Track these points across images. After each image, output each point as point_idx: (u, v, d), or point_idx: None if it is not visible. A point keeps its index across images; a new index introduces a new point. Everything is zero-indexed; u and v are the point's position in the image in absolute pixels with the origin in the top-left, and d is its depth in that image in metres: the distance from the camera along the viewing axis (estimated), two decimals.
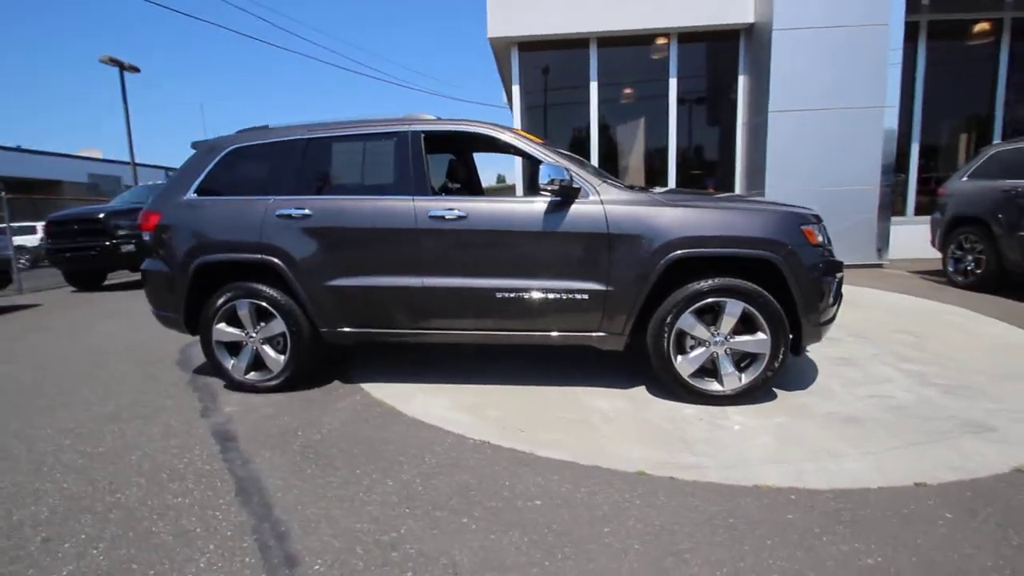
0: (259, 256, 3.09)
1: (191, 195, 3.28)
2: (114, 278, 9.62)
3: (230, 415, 2.95)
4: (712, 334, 2.82)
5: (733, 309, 2.76)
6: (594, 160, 8.16)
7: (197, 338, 4.59)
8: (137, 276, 9.60)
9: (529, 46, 8.01)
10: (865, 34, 6.83)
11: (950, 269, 5.92)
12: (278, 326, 3.17)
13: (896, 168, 7.39)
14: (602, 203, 2.85)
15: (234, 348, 3.30)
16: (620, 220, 2.81)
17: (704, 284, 2.76)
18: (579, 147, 8.24)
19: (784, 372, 2.95)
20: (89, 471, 2.37)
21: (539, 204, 2.88)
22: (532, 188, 8.25)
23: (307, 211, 3.06)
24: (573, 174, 2.85)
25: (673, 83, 8.00)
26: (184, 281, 3.21)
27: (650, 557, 1.69)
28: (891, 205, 7.32)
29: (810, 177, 7.08)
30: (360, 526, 1.89)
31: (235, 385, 3.30)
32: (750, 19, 7.53)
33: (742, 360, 2.89)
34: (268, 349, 3.23)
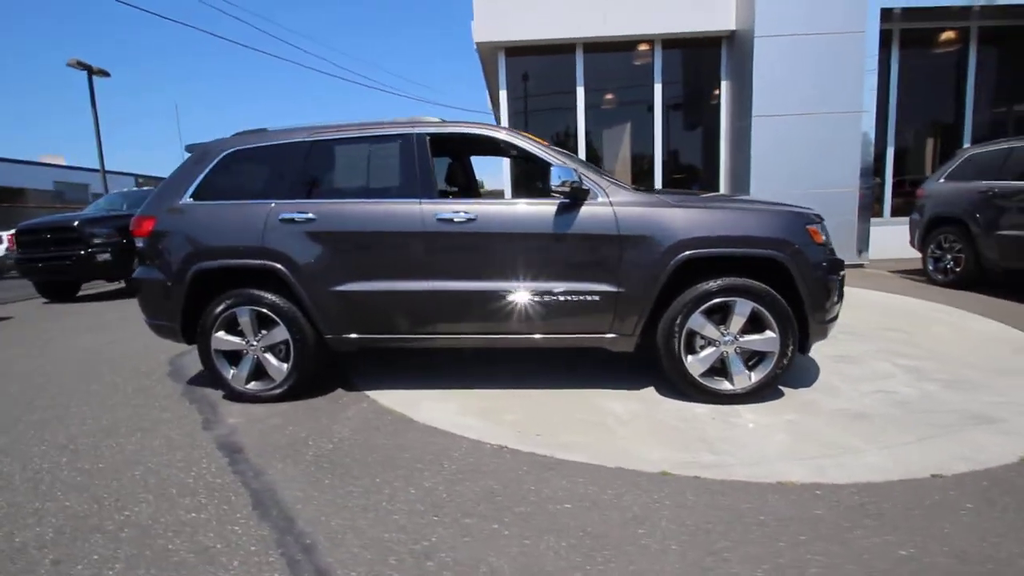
0: (261, 262, 3.01)
1: (187, 199, 3.18)
2: (88, 289, 9.27)
3: (234, 426, 2.85)
4: (721, 333, 2.85)
5: (743, 308, 2.79)
6: None
7: (186, 349, 4.55)
8: (113, 286, 9.30)
9: (516, 51, 8.04)
10: (843, 41, 7.05)
11: (930, 268, 6.12)
12: (281, 333, 3.09)
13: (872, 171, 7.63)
14: (611, 204, 2.86)
15: (233, 357, 3.20)
16: (630, 221, 2.82)
17: (713, 284, 2.79)
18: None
19: (790, 370, 3.00)
20: (91, 488, 2.26)
21: (549, 206, 2.87)
22: (519, 191, 8.26)
23: (311, 215, 2.99)
24: (582, 176, 2.85)
25: (658, 88, 8.13)
26: (181, 289, 3.10)
27: (690, 557, 1.68)
28: (870, 207, 7.55)
29: (792, 180, 7.25)
30: (389, 536, 1.84)
31: (235, 395, 3.19)
32: (732, 27, 7.70)
33: (750, 359, 2.92)
34: (270, 357, 3.14)
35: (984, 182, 5.41)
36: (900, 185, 8.39)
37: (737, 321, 2.81)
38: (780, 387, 3.05)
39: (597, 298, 2.86)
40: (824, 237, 2.89)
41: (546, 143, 3.16)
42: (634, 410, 2.88)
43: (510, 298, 2.91)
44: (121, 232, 7.94)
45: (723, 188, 8.31)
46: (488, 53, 8.22)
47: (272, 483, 2.23)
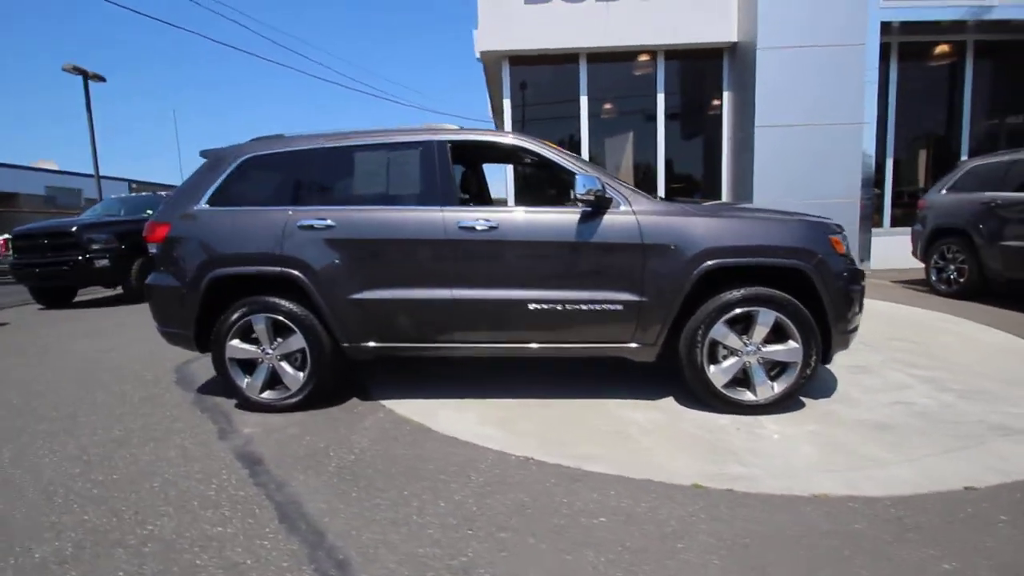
0: (279, 269, 2.96)
1: (203, 205, 3.14)
2: (84, 295, 9.14)
3: (250, 436, 2.80)
4: (744, 343, 2.84)
5: (766, 318, 2.79)
6: None
7: (191, 357, 4.48)
8: (110, 292, 9.17)
9: (520, 60, 8.08)
10: (844, 54, 7.14)
11: (933, 278, 6.17)
12: (297, 342, 3.04)
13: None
14: (635, 213, 2.85)
15: (248, 366, 3.14)
16: (654, 230, 2.81)
17: (737, 294, 2.78)
18: None
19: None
20: (109, 501, 2.19)
21: (572, 215, 2.86)
22: (522, 199, 8.26)
23: (330, 222, 2.96)
24: (606, 184, 2.84)
25: (660, 98, 8.18)
26: (195, 296, 3.05)
27: (733, 573, 1.65)
28: (871, 217, 7.62)
29: (795, 190, 7.31)
30: (424, 551, 1.80)
31: (249, 404, 3.14)
32: (734, 38, 7.79)
33: (771, 369, 2.91)
34: (286, 366, 3.09)
35: (987, 193, 5.47)
36: (899, 196, 8.48)
37: (760, 331, 2.81)
38: (800, 398, 3.04)
39: (620, 307, 2.84)
40: (845, 247, 2.90)
41: (567, 152, 3.16)
42: (655, 420, 2.86)
43: (532, 307, 2.88)
44: (120, 238, 7.86)
45: (725, 197, 8.36)
46: (492, 62, 8.25)
47: (296, 495, 2.18)
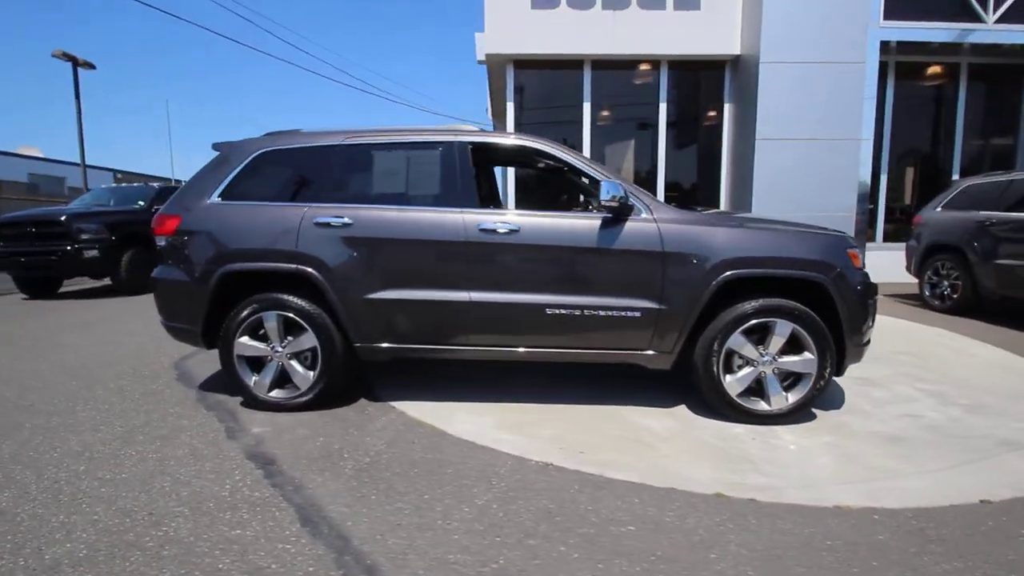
0: (294, 266, 2.91)
1: (215, 199, 3.07)
2: (69, 285, 8.92)
3: (260, 436, 2.73)
4: (760, 354, 2.86)
5: (783, 329, 2.80)
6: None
7: (190, 352, 4.38)
8: (97, 283, 8.94)
9: (525, 64, 8.08)
10: (844, 71, 7.27)
11: (927, 294, 6.29)
12: (308, 340, 2.99)
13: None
14: (656, 221, 2.86)
15: (255, 363, 3.08)
16: (675, 238, 2.82)
17: (754, 304, 2.80)
18: None
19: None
20: (119, 500, 2.12)
21: (594, 220, 2.86)
22: (522, 203, 8.25)
23: (347, 220, 2.92)
24: (629, 192, 2.84)
25: (663, 107, 8.24)
26: (205, 291, 2.98)
27: None
28: (865, 231, 7.74)
29: (793, 203, 7.38)
30: (454, 557, 1.76)
31: (256, 403, 3.07)
32: (736, 51, 7.88)
33: (785, 379, 2.93)
34: (296, 364, 3.03)
35: (982, 212, 5.60)
36: (891, 212, 8.64)
37: (776, 342, 2.82)
38: (811, 409, 3.06)
39: (638, 314, 2.84)
40: (861, 261, 2.93)
41: (587, 158, 3.16)
42: (671, 428, 2.86)
43: (549, 312, 2.87)
44: (110, 229, 7.69)
45: (723, 207, 8.44)
46: (497, 65, 8.24)
47: (315, 498, 2.14)
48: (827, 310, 2.83)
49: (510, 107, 8.11)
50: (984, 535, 1.93)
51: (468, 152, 2.99)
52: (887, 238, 8.49)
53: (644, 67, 8.27)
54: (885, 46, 7.59)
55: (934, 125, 8.58)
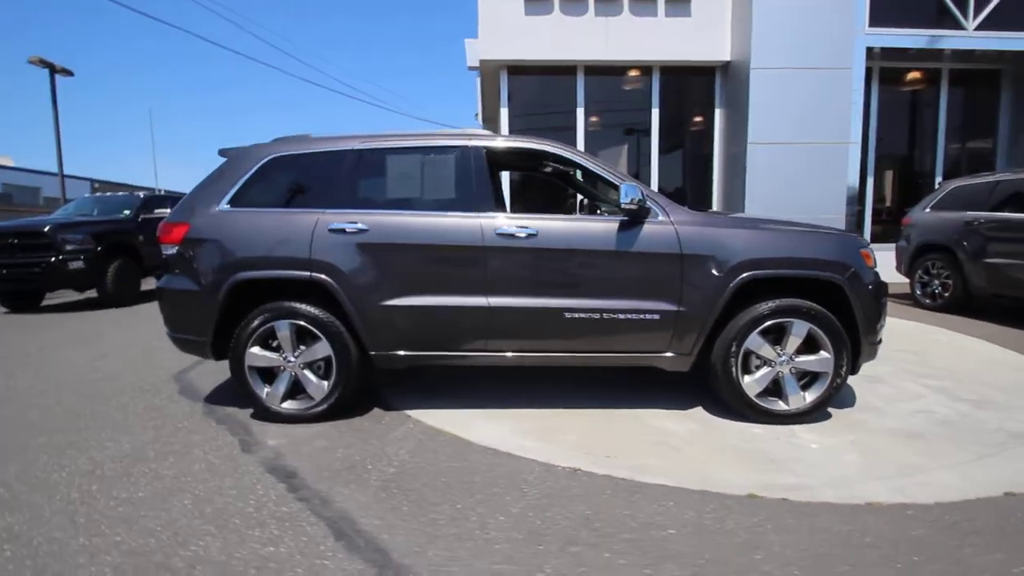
0: (308, 273, 2.85)
1: (224, 206, 3.00)
2: (52, 298, 8.65)
3: (277, 449, 2.66)
4: (777, 354, 2.88)
5: (799, 329, 2.83)
6: None
7: (189, 364, 4.27)
8: (81, 296, 8.67)
9: (518, 70, 8.11)
10: (832, 76, 7.44)
11: (917, 292, 6.43)
12: (322, 349, 2.93)
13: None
14: (673, 223, 2.87)
15: (266, 374, 3.01)
16: (692, 240, 2.83)
17: (772, 304, 2.82)
18: None
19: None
20: (139, 520, 2.04)
21: (612, 223, 2.85)
22: (517, 207, 8.25)
23: (362, 226, 2.87)
24: (646, 195, 2.85)
25: (655, 112, 8.34)
26: (215, 301, 2.91)
27: None
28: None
29: (785, 205, 7.50)
30: (500, 567, 1.73)
31: (267, 415, 2.99)
32: (727, 57, 8.02)
33: (801, 379, 2.95)
34: (309, 374, 2.96)
35: (971, 212, 5.75)
36: (877, 213, 8.84)
37: (793, 342, 2.85)
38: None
39: (657, 317, 2.84)
40: (873, 260, 2.98)
41: (603, 162, 3.16)
42: (692, 430, 2.86)
43: (568, 316, 2.85)
44: (96, 239, 7.48)
45: (715, 209, 8.54)
46: (490, 71, 8.26)
47: (345, 511, 2.08)
48: (840, 309, 2.87)
49: (504, 112, 8.13)
50: (1016, 527, 1.96)
51: (483, 156, 2.97)
52: (874, 239, 8.66)
53: (636, 73, 8.36)
54: (870, 52, 7.79)
55: (918, 129, 8.82)
